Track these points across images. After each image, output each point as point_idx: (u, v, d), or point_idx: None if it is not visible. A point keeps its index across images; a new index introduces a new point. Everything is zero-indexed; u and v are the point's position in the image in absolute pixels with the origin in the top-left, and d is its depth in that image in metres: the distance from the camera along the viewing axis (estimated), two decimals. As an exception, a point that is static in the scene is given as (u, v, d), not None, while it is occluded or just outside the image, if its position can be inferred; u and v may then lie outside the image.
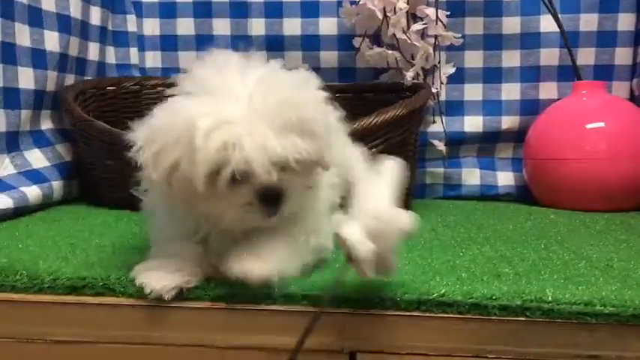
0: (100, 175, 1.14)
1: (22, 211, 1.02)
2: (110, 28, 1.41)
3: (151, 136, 0.62)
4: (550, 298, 0.62)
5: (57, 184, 1.14)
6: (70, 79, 1.23)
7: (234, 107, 0.59)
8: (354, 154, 0.85)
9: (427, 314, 0.62)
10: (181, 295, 0.64)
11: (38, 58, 1.12)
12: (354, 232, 0.57)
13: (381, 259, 0.59)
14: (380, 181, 0.63)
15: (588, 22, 1.35)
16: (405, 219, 0.59)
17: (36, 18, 1.12)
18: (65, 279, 0.66)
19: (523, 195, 1.38)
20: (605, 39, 1.35)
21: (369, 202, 0.61)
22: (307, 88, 0.64)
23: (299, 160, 0.60)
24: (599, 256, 0.81)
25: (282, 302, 0.64)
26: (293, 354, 0.56)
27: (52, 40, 1.16)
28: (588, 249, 0.86)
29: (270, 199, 0.62)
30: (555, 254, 0.82)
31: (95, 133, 1.10)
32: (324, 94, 0.65)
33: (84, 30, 1.27)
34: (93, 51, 1.33)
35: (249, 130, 0.58)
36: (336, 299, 0.62)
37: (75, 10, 1.22)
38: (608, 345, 0.61)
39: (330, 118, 0.68)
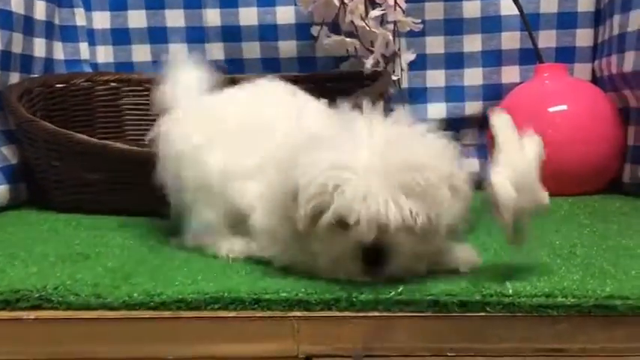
0: (48, 177, 1.09)
1: (-36, 218, 0.97)
2: (57, 22, 1.35)
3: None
4: (510, 292, 0.59)
5: (2, 189, 1.09)
6: (14, 78, 1.17)
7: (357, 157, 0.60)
8: None
9: (384, 314, 0.59)
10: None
11: (-22, 56, 1.07)
12: (502, 179, 0.60)
13: (518, 221, 0.61)
14: (527, 149, 0.64)
15: (548, 3, 1.33)
16: (544, 194, 0.62)
17: (-26, 14, 1.06)
18: (-2, 293, 0.61)
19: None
20: (566, 20, 1.33)
21: (517, 162, 0.62)
22: (438, 153, 0.63)
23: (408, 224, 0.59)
24: (562, 242, 0.80)
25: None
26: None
27: (-8, 37, 1.10)
28: (552, 235, 0.84)
29: (371, 256, 0.60)
30: (518, 243, 0.80)
31: (39, 133, 1.04)
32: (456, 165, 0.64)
33: (28, 25, 1.21)
34: (39, 47, 1.27)
35: (365, 181, 0.58)
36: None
37: (17, 5, 1.16)
38: (571, 337, 0.59)
39: (460, 185, 0.65)
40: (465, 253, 0.68)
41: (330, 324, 0.60)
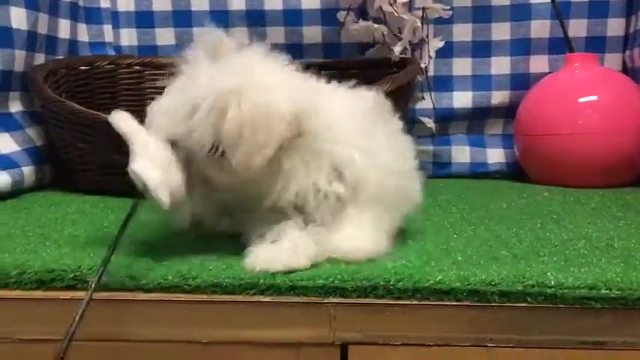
0: (74, 159, 1.08)
1: (-10, 198, 0.97)
2: (82, 4, 1.34)
3: None
4: (553, 283, 0.58)
5: (28, 170, 1.08)
6: (39, 59, 1.17)
7: None
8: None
9: (423, 302, 0.58)
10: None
11: (4, 36, 1.06)
12: (142, 164, 0.59)
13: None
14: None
15: (579, -9, 1.31)
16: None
17: (0, -7, 1.05)
18: (32, 272, 0.61)
19: (514, 172, 1.35)
20: (597, 9, 1.31)
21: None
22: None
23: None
24: (598, 235, 0.78)
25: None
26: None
27: (18, 18, 1.09)
28: (586, 227, 0.82)
29: None
30: (553, 234, 0.79)
31: (66, 114, 1.04)
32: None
33: (53, 6, 1.20)
34: (64, 28, 1.26)
35: None
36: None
37: (43, -15, 1.16)
38: (615, 330, 0.57)
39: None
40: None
41: (367, 311, 0.59)
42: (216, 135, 0.59)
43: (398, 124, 0.74)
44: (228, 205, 0.70)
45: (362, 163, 0.65)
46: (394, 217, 0.69)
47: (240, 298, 0.59)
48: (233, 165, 0.59)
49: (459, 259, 0.66)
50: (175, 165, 0.61)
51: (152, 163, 0.60)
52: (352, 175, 0.64)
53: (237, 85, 0.59)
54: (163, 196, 0.59)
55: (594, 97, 1.19)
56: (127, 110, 1.27)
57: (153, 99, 1.30)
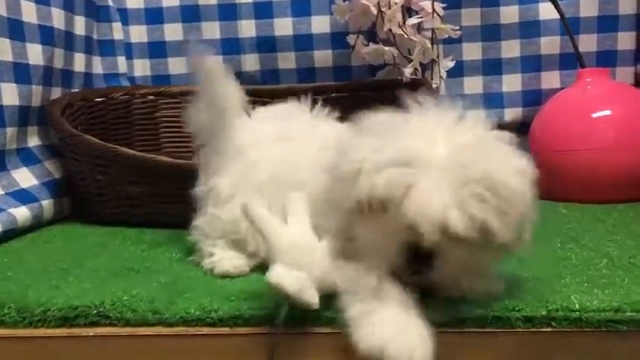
0: (92, 191, 1.10)
1: (11, 233, 0.98)
2: (96, 37, 1.36)
3: None
4: (577, 306, 0.58)
5: (47, 203, 1.09)
6: (56, 93, 1.18)
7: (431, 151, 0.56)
8: None
9: (446, 330, 0.58)
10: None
11: (21, 72, 1.08)
12: (279, 272, 0.56)
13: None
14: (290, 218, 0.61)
15: (588, 7, 1.31)
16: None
17: (17, 31, 1.07)
18: (56, 310, 0.61)
19: (530, 189, 1.34)
20: (607, 24, 1.31)
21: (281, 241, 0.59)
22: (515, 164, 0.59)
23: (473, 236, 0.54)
24: (619, 253, 0.77)
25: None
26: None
27: (35, 53, 1.11)
28: (607, 245, 0.82)
29: (421, 257, 0.56)
30: (573, 253, 0.78)
31: (84, 147, 1.05)
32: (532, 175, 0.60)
33: (68, 40, 1.23)
34: (79, 62, 1.28)
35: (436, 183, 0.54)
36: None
37: (58, 21, 1.18)
38: (642, 353, 0.57)
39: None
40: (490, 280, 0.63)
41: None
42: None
43: None
44: None
45: None
46: None
47: (261, 329, 0.59)
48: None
49: (481, 283, 0.65)
50: (321, 252, 0.60)
51: (291, 263, 0.57)
52: None
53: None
54: (310, 298, 0.56)
55: (607, 112, 1.19)
56: (142, 140, 1.32)
57: (167, 127, 1.35)
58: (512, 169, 0.58)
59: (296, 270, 0.57)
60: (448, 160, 0.55)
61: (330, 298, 0.59)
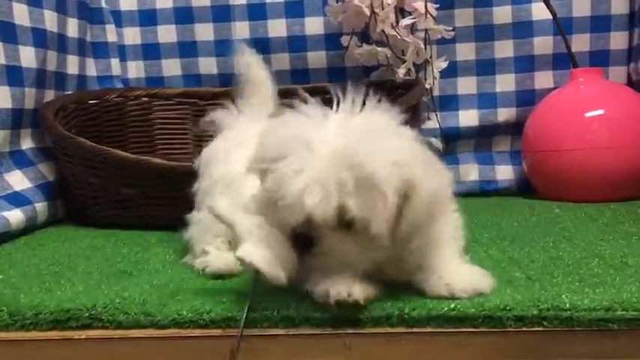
0: (85, 193, 1.10)
1: (4, 236, 0.98)
2: (89, 39, 1.36)
3: None
4: (568, 305, 0.58)
5: (41, 206, 1.09)
6: (49, 95, 1.18)
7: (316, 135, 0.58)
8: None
9: (438, 330, 0.58)
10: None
11: (14, 75, 1.08)
12: (247, 248, 0.59)
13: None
14: None
15: (581, 7, 1.32)
16: None
17: (9, 33, 1.07)
18: (48, 313, 0.61)
19: (523, 188, 1.35)
20: (600, 24, 1.32)
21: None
22: (386, 137, 0.59)
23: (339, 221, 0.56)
24: (611, 252, 0.78)
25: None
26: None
27: (28, 56, 1.11)
28: (599, 245, 0.82)
29: (301, 241, 0.58)
30: (566, 253, 0.78)
31: (77, 150, 1.05)
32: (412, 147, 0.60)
33: (61, 43, 1.23)
34: (72, 64, 1.28)
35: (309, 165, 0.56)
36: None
37: (51, 23, 1.17)
38: (633, 351, 0.57)
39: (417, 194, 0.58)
40: (462, 276, 0.63)
41: (382, 341, 0.59)
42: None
43: None
44: None
45: None
46: None
47: (255, 331, 0.59)
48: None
49: (473, 283, 0.65)
50: (283, 241, 0.61)
51: (257, 244, 0.60)
52: None
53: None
54: (278, 273, 0.58)
55: (601, 112, 1.19)
56: (135, 141, 1.32)
57: (161, 129, 1.35)
58: (390, 159, 0.57)
59: (263, 248, 0.59)
60: (329, 146, 0.57)
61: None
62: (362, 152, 0.56)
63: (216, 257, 0.75)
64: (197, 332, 0.60)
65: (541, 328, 0.57)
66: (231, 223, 0.63)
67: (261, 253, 0.59)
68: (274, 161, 0.58)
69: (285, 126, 0.60)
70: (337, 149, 0.56)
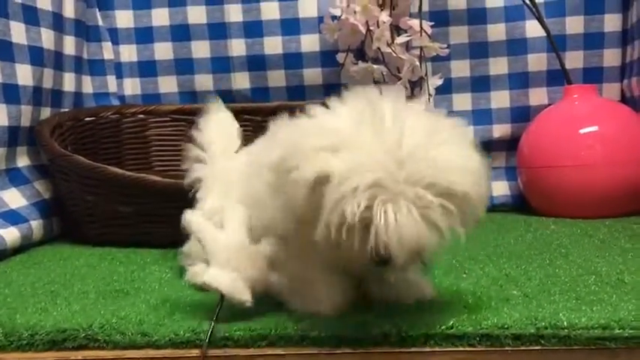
0: (81, 211, 1.09)
1: (0, 255, 0.97)
2: (85, 56, 1.37)
3: None
4: (565, 324, 0.58)
5: (36, 224, 1.09)
6: (45, 113, 1.19)
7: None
8: None
9: (436, 349, 0.58)
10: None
11: (11, 93, 1.08)
12: (213, 273, 0.61)
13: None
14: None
15: (574, 24, 1.33)
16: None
17: (6, 51, 1.07)
18: (44, 333, 0.61)
19: (519, 204, 1.35)
20: (593, 41, 1.33)
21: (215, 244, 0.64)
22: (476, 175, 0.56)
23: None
24: (608, 269, 0.78)
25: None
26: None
27: (24, 74, 1.11)
28: (595, 262, 0.82)
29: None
30: (562, 270, 0.78)
31: (73, 167, 1.05)
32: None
33: (58, 61, 1.23)
34: (69, 82, 1.28)
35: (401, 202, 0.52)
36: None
37: (47, 41, 1.18)
38: (630, 370, 0.57)
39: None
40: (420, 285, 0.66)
41: (380, 360, 0.59)
42: None
43: None
44: None
45: None
46: None
47: (251, 351, 0.59)
48: None
49: (470, 301, 0.66)
50: (255, 253, 0.63)
51: (224, 265, 0.62)
52: None
53: None
54: (243, 297, 0.61)
55: (595, 128, 1.20)
56: (132, 159, 1.32)
57: (157, 146, 1.35)
58: (472, 175, 0.56)
59: (230, 271, 0.61)
60: (405, 167, 0.53)
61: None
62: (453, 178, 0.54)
63: (203, 270, 0.74)
64: (194, 352, 0.60)
65: (539, 347, 0.57)
66: (202, 240, 0.64)
67: (228, 276, 0.61)
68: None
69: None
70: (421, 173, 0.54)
